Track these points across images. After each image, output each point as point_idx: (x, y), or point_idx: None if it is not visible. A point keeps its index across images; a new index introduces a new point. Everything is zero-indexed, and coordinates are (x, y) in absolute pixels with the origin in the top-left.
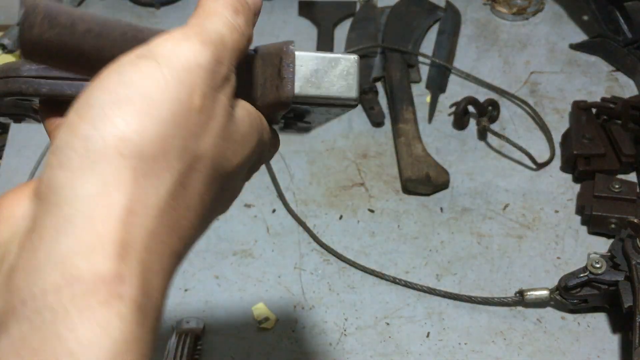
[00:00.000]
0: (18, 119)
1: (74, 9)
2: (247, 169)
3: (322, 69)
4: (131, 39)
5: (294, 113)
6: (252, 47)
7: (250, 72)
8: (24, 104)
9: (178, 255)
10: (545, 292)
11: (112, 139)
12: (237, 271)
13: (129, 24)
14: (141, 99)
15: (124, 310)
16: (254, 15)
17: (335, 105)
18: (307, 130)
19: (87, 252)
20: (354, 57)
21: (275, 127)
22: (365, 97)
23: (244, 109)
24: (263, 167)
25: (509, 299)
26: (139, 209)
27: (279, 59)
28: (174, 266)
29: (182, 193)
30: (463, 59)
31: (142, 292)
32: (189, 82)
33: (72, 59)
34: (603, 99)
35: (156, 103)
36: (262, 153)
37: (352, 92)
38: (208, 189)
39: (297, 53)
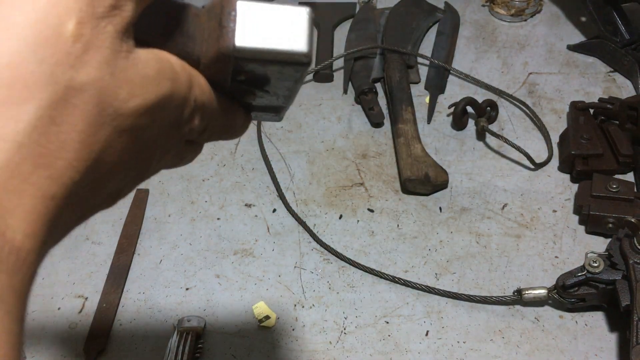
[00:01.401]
0: None
1: None
2: (167, 126)
3: (269, 20)
4: None
5: (245, 75)
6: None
7: (193, 26)
8: None
9: (53, 198)
10: (543, 291)
11: None
12: (238, 270)
13: None
14: (0, 19)
15: None
16: None
17: (286, 63)
18: (276, 110)
19: None
20: (305, 9)
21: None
22: (365, 98)
23: (153, 54)
24: (263, 167)
25: (508, 298)
26: None
27: (221, 6)
28: (49, 209)
29: (54, 129)
30: (462, 60)
31: None
32: (61, 5)
33: None
34: (601, 100)
35: (17, 26)
36: (197, 114)
37: (302, 46)
38: (93, 130)
39: (240, 2)
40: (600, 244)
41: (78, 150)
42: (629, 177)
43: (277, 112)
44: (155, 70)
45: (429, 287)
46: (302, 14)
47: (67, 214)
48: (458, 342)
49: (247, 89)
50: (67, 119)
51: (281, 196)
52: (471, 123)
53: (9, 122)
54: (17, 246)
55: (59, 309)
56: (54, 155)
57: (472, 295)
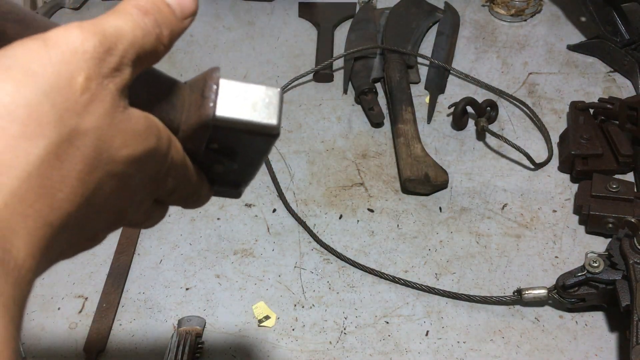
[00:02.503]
0: None
1: None
2: (147, 178)
3: (245, 96)
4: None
5: (218, 144)
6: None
7: (176, 97)
8: None
9: (51, 226)
10: (543, 291)
11: None
12: (238, 270)
13: (55, 23)
14: (21, 69)
15: None
16: (177, 18)
17: (257, 134)
18: (237, 184)
19: None
20: (277, 89)
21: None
22: (365, 98)
23: (143, 113)
24: (263, 167)
25: (507, 298)
26: (3, 167)
27: (204, 81)
28: (46, 235)
29: (57, 165)
30: (462, 60)
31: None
32: (73, 63)
33: None
34: (600, 100)
35: (35, 74)
36: (171, 173)
37: (273, 120)
38: (90, 170)
39: (222, 79)
40: (600, 244)
41: (75, 187)
42: (629, 177)
43: (237, 186)
44: (145, 126)
45: (429, 287)
46: (275, 93)
47: (57, 246)
48: (458, 342)
49: (217, 157)
50: (69, 157)
51: (281, 196)
52: (471, 123)
53: (21, 154)
54: (19, 264)
55: (59, 309)
56: (55, 187)
57: (472, 295)
